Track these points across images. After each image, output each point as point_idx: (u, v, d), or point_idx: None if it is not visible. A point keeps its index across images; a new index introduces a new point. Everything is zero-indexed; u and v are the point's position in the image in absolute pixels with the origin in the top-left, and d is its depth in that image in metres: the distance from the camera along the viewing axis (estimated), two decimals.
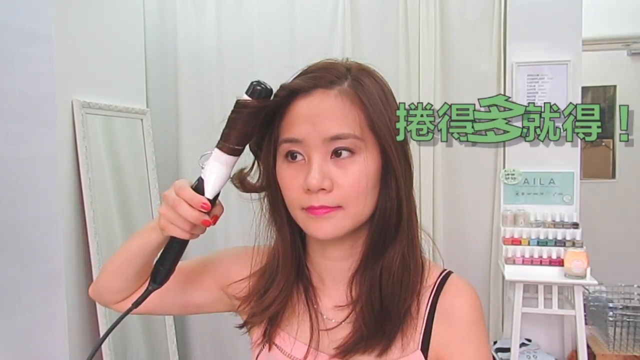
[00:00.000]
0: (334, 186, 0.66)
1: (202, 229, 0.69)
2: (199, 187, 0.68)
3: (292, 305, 0.77)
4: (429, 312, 0.73)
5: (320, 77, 0.68)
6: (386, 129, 0.67)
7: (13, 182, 1.88)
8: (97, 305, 2.11)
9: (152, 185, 2.61)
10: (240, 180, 0.75)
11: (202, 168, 0.69)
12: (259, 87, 0.66)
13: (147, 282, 0.75)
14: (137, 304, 0.73)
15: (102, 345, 2.12)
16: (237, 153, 0.69)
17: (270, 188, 0.73)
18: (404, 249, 0.71)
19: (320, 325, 0.76)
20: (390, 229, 0.70)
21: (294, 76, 0.71)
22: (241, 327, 0.80)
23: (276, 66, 2.70)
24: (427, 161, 2.61)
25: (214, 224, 0.69)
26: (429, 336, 0.72)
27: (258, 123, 0.67)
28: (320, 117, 0.66)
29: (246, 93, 0.66)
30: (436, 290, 0.74)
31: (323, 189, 0.65)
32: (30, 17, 1.91)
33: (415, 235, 0.73)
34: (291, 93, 0.68)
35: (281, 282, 0.75)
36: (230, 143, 0.67)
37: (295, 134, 0.67)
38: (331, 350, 0.73)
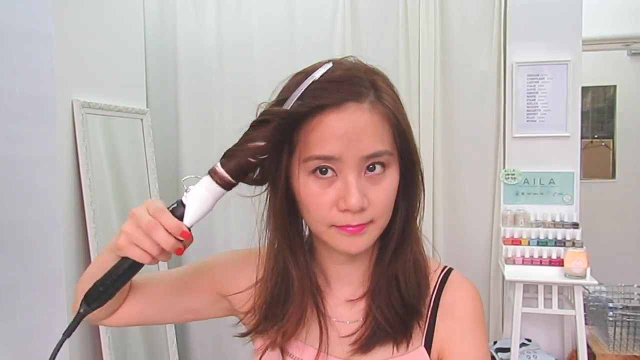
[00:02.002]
0: (369, 203, 0.65)
1: (166, 255, 0.64)
2: (176, 211, 0.63)
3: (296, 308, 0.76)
4: (432, 309, 0.74)
5: (348, 89, 0.65)
6: (411, 136, 0.69)
7: (13, 182, 1.88)
8: None
9: (152, 186, 2.61)
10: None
11: (186, 191, 0.64)
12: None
13: (125, 295, 0.72)
14: (68, 333, 0.64)
15: (102, 346, 2.12)
16: (229, 187, 0.65)
17: (282, 202, 0.69)
18: (415, 251, 0.74)
19: (329, 328, 0.75)
20: (407, 233, 0.72)
21: (307, 84, 0.64)
22: (242, 335, 0.78)
23: (276, 66, 2.70)
24: (427, 161, 2.61)
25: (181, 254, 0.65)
26: (432, 332, 0.73)
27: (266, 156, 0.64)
28: (358, 134, 0.64)
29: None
30: (438, 287, 0.75)
31: (362, 209, 0.65)
32: (30, 17, 1.91)
33: (420, 237, 0.75)
34: (326, 106, 0.64)
35: (297, 301, 0.73)
36: (226, 172, 0.64)
37: (329, 152, 0.63)
38: (343, 352, 0.73)
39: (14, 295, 1.87)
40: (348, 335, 0.73)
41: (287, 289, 0.73)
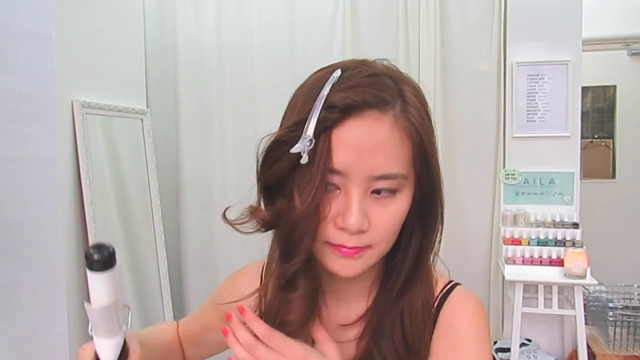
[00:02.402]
0: (370, 225, 0.59)
1: None
2: None
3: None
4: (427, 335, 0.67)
5: (372, 94, 0.57)
6: (434, 162, 0.61)
7: (13, 182, 1.88)
8: None
9: (152, 185, 2.61)
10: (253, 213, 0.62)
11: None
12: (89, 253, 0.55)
13: None
14: None
15: None
16: None
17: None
18: (424, 285, 0.66)
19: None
20: (419, 263, 0.65)
21: (334, 84, 0.57)
22: None
23: (276, 66, 2.70)
24: None
25: None
26: (427, 355, 0.66)
27: None
28: (371, 150, 0.56)
29: (85, 265, 0.56)
30: (438, 304, 0.68)
31: (361, 231, 0.58)
32: (30, 17, 1.91)
33: (429, 263, 0.68)
34: (345, 112, 0.56)
35: (293, 318, 0.66)
36: None
37: (339, 165, 0.56)
38: None
39: (14, 295, 1.87)
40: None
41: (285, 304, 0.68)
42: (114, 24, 2.46)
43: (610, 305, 2.46)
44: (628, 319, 2.42)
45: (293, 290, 0.61)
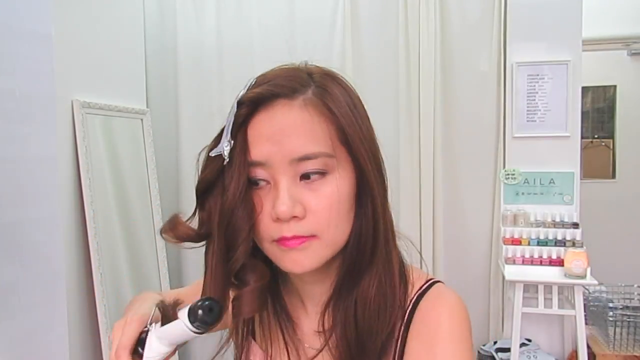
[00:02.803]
0: (306, 212, 0.57)
1: None
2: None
3: (274, 331, 0.71)
4: (403, 331, 0.63)
5: (281, 85, 0.59)
6: (359, 140, 0.59)
7: (13, 182, 1.88)
8: (97, 305, 2.11)
9: (152, 186, 2.61)
10: (173, 226, 0.62)
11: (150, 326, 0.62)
12: (201, 314, 0.56)
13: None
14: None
15: (102, 344, 2.12)
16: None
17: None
18: (380, 274, 0.62)
19: (300, 355, 0.69)
20: (366, 252, 0.61)
21: (248, 87, 0.61)
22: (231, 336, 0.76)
23: (276, 66, 2.69)
24: (427, 161, 2.61)
25: None
26: (402, 357, 0.63)
27: None
28: (284, 134, 0.57)
29: (188, 318, 0.56)
30: (414, 303, 0.64)
31: (295, 217, 0.57)
32: (30, 17, 1.91)
33: (392, 255, 0.64)
34: (253, 106, 0.58)
35: (266, 322, 0.70)
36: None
37: (257, 156, 0.58)
38: None
39: (14, 295, 1.87)
40: None
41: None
42: (114, 24, 2.46)
43: (610, 305, 2.46)
44: (628, 319, 2.42)
45: (243, 285, 0.61)
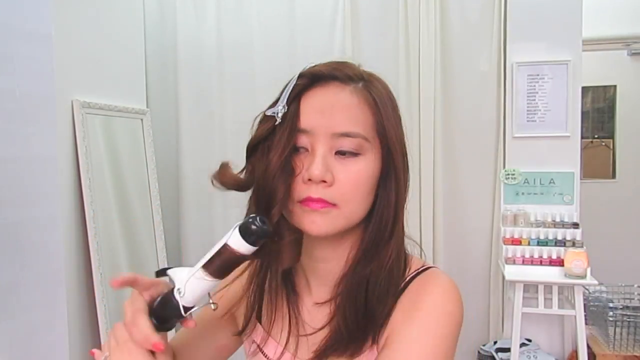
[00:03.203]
0: (334, 181, 0.64)
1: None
2: (165, 308, 0.62)
3: (279, 310, 0.75)
4: (391, 307, 0.68)
5: (339, 69, 0.67)
6: (394, 133, 0.67)
7: (13, 182, 1.88)
8: (97, 305, 2.11)
9: (152, 185, 2.61)
10: (221, 173, 0.69)
11: (171, 280, 0.62)
12: (254, 227, 0.58)
13: None
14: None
15: (102, 344, 2.12)
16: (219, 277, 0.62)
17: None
18: (394, 253, 0.69)
19: (300, 330, 0.73)
20: (386, 233, 0.68)
21: (293, 82, 0.68)
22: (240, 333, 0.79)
23: (276, 65, 2.70)
24: (427, 161, 2.62)
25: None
26: (385, 326, 0.68)
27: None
28: (333, 110, 0.65)
29: (240, 231, 0.58)
30: (405, 284, 0.70)
31: (323, 182, 0.63)
32: (30, 17, 1.91)
33: (403, 239, 0.72)
34: (311, 80, 0.67)
35: (271, 297, 0.75)
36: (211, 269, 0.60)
37: (305, 124, 0.65)
38: (307, 355, 0.71)
39: (14, 295, 1.87)
40: (317, 341, 0.70)
41: (271, 287, 0.75)
42: (114, 23, 2.46)
43: (610, 305, 2.46)
44: (628, 319, 2.42)
45: (280, 239, 0.66)
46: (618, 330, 2.42)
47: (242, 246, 0.58)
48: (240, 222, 0.59)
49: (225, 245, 0.59)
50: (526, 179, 2.56)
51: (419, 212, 2.64)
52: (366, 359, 0.68)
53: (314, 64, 0.69)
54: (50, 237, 1.96)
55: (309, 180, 0.63)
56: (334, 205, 0.64)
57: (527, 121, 2.56)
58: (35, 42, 1.93)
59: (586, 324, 2.37)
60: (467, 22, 2.62)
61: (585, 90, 3.27)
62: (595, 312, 2.56)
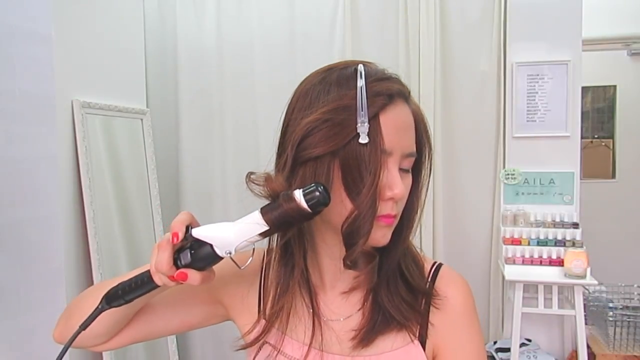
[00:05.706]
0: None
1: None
2: (192, 252, 0.64)
3: (294, 308, 0.75)
4: (424, 302, 0.73)
5: (403, 86, 0.70)
6: (425, 144, 0.73)
7: (13, 182, 1.88)
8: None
9: (152, 185, 2.61)
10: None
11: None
12: (318, 194, 0.59)
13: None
14: (84, 326, 0.67)
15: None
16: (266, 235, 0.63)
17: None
18: (411, 244, 0.76)
19: (323, 326, 0.74)
20: (407, 224, 0.73)
21: (371, 76, 0.66)
22: (249, 346, 0.77)
23: (276, 66, 2.70)
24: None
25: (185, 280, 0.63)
26: (426, 325, 0.72)
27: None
28: (406, 130, 0.67)
29: (304, 196, 0.58)
30: (430, 280, 0.75)
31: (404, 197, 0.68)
32: (30, 17, 1.91)
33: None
34: (389, 99, 0.66)
35: (288, 296, 0.74)
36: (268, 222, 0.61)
37: (387, 145, 0.64)
38: (341, 349, 0.72)
39: (14, 295, 1.87)
40: (347, 331, 0.72)
41: (287, 284, 0.73)
42: (114, 24, 2.46)
43: (610, 305, 2.46)
44: (628, 319, 2.42)
45: (355, 268, 0.68)
46: (618, 330, 2.42)
47: (303, 204, 0.59)
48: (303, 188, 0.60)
49: (291, 196, 0.59)
50: (526, 179, 2.56)
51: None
52: (408, 354, 0.71)
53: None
54: (50, 237, 1.96)
55: (390, 198, 0.65)
56: (396, 216, 0.68)
57: (527, 121, 2.56)
58: (35, 42, 1.93)
59: (586, 324, 2.37)
60: (467, 22, 2.62)
61: (585, 90, 3.27)
62: (595, 312, 2.56)
